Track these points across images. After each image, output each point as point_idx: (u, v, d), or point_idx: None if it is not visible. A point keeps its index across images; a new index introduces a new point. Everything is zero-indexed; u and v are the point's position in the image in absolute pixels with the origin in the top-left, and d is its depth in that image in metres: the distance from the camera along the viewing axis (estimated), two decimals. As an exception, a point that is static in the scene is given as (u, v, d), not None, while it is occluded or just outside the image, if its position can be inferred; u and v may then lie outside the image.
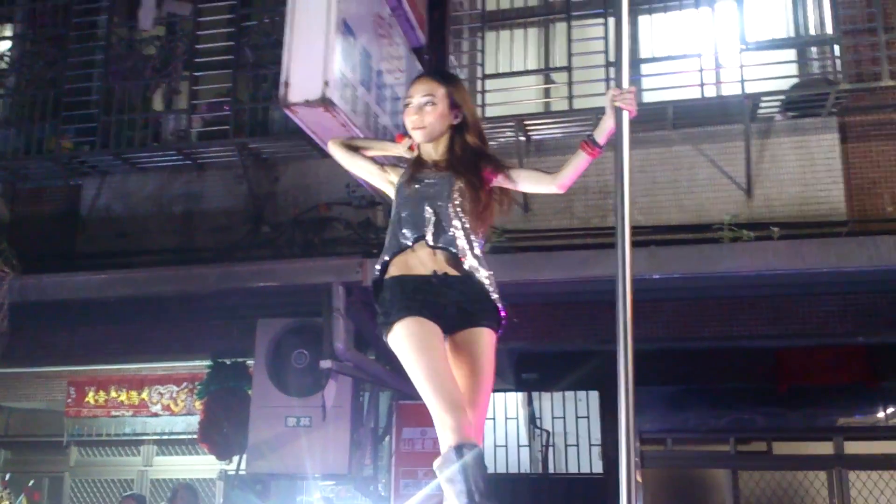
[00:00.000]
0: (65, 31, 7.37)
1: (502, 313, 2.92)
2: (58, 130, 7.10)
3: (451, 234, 2.86)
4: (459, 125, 3.02)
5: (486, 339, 2.85)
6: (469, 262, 2.87)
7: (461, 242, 2.86)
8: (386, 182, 3.09)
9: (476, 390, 2.77)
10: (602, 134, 2.92)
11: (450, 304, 2.83)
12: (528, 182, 3.06)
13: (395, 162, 3.14)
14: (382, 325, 2.82)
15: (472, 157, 2.99)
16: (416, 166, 3.01)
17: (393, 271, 2.88)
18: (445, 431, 2.54)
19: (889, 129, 6.26)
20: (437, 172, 2.96)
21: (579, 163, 2.97)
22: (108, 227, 7.30)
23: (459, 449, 2.49)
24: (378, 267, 2.93)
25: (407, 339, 2.71)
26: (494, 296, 2.90)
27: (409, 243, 2.87)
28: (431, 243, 2.85)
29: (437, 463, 2.55)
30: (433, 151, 3.04)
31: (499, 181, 3.04)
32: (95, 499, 9.92)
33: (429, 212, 2.88)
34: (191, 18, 7.07)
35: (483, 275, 2.89)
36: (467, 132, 3.02)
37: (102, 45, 7.27)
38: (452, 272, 2.87)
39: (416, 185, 2.94)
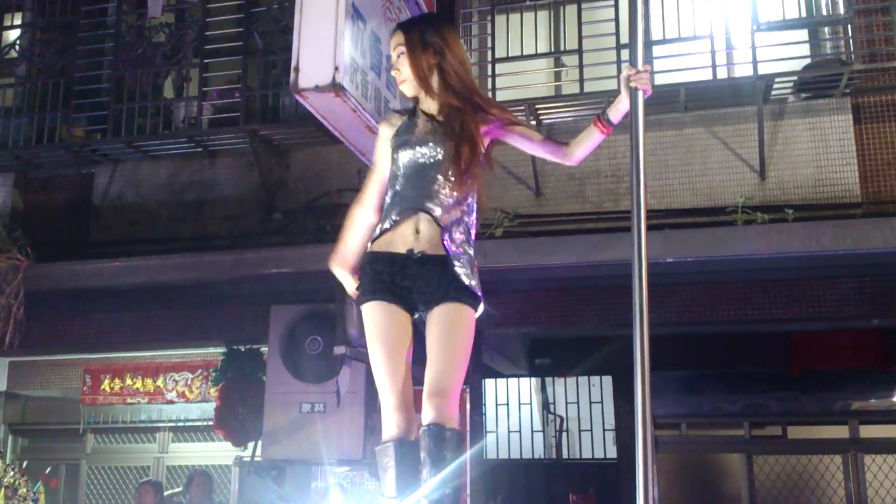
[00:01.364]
0: (74, 19, 7.38)
1: (480, 298, 2.88)
2: (69, 119, 7.12)
3: (436, 213, 2.83)
4: (442, 68, 2.93)
5: (462, 313, 2.81)
6: (449, 245, 2.83)
7: (445, 223, 2.84)
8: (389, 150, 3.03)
9: (450, 363, 2.75)
10: (616, 113, 2.90)
11: (424, 283, 2.81)
12: (541, 149, 3.03)
13: (385, 119, 3.08)
14: (356, 302, 2.91)
15: (463, 106, 2.91)
16: (410, 125, 2.97)
17: (374, 246, 2.90)
18: (389, 424, 2.71)
19: (903, 109, 6.20)
20: (430, 136, 2.90)
21: (592, 140, 2.96)
22: (121, 215, 7.32)
23: (400, 443, 2.67)
24: (372, 240, 2.94)
25: (368, 326, 2.82)
26: (472, 282, 2.85)
27: (396, 220, 2.86)
28: (416, 220, 2.84)
29: (378, 448, 2.72)
30: (431, 103, 2.98)
31: (504, 136, 3.00)
32: (112, 486, 10.00)
33: (418, 189, 2.85)
34: (200, 5, 7.06)
35: (462, 260, 2.84)
36: (448, 74, 2.92)
37: (112, 33, 7.26)
38: (431, 252, 2.83)
39: (409, 153, 2.90)
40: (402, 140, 2.94)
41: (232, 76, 7.07)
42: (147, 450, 9.99)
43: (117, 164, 7.42)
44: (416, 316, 2.89)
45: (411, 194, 2.86)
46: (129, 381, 9.52)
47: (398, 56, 2.96)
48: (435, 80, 2.94)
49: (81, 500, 9.85)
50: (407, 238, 2.84)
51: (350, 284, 3.03)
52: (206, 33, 7.01)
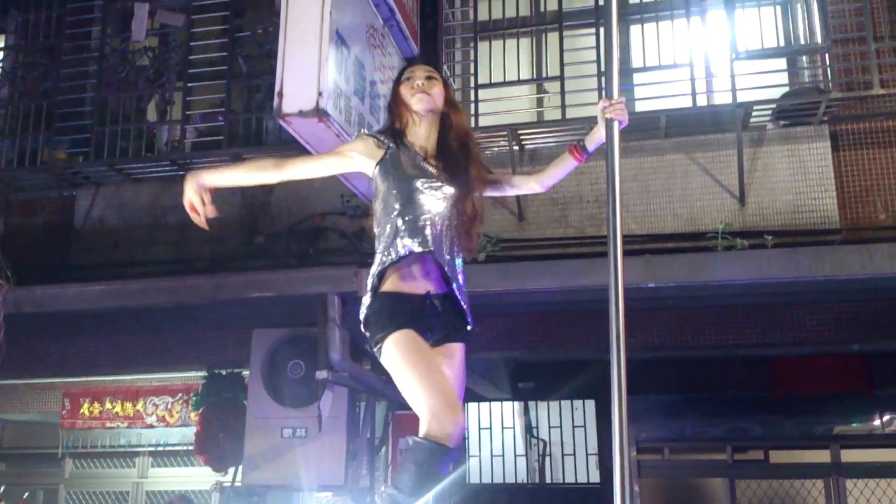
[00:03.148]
0: (58, 42, 7.37)
1: (469, 324, 2.99)
2: (51, 141, 7.09)
3: (444, 250, 2.88)
4: (447, 115, 3.03)
5: (461, 353, 2.95)
6: (454, 280, 2.90)
7: (451, 259, 2.91)
8: (357, 165, 3.01)
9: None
10: (592, 142, 2.98)
11: (437, 324, 2.89)
12: (513, 188, 3.18)
13: (365, 134, 3.07)
14: (373, 339, 2.81)
15: (461, 154, 2.99)
16: (407, 152, 2.97)
17: (387, 286, 2.86)
18: (446, 422, 2.56)
19: (880, 136, 6.28)
20: (433, 173, 2.94)
21: (565, 166, 3.05)
22: (103, 239, 7.28)
23: (449, 452, 2.56)
24: (375, 273, 2.87)
25: (399, 348, 2.72)
26: (464, 306, 2.96)
27: (406, 254, 2.83)
28: (427, 258, 2.86)
29: (428, 445, 2.55)
30: (424, 138, 3.02)
31: (486, 191, 3.09)
32: (90, 511, 9.89)
33: (427, 223, 2.86)
34: (184, 29, 7.07)
35: (465, 295, 2.95)
36: (456, 120, 3.03)
37: (96, 57, 7.26)
38: (440, 291, 2.91)
39: (416, 184, 2.90)
40: (405, 164, 2.93)
41: (215, 100, 7.06)
42: (126, 475, 9.90)
43: (99, 187, 7.39)
44: None
45: (418, 232, 2.84)
46: (108, 405, 9.44)
47: (429, 80, 3.01)
48: (437, 123, 3.03)
49: (59, 525, 9.74)
50: (419, 279, 2.86)
51: (195, 197, 3.10)
52: (190, 57, 7.01)
